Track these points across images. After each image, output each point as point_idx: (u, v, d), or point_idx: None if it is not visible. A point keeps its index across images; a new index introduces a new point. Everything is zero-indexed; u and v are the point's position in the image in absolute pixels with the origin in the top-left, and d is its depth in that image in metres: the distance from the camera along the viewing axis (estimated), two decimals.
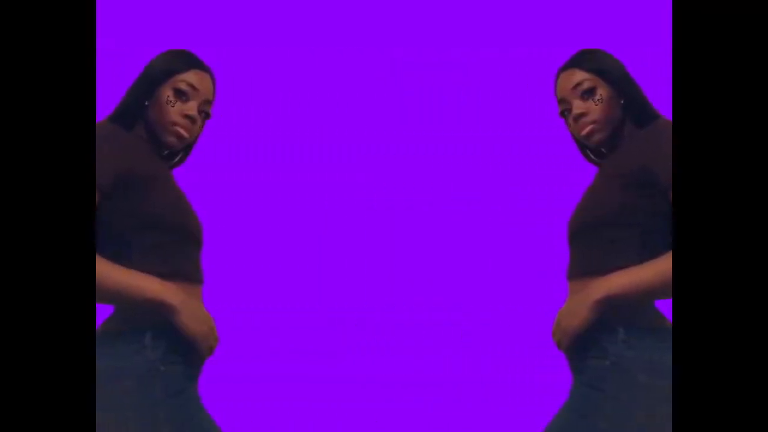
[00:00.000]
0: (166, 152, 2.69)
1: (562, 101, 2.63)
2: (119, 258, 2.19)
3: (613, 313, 2.38)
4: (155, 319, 2.16)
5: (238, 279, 3.35)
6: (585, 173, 3.54)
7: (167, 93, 2.51)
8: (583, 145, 2.82)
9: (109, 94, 3.04)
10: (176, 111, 2.51)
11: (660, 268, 2.23)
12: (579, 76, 2.59)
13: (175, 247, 2.39)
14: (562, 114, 2.67)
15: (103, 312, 2.48)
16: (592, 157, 2.82)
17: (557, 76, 2.69)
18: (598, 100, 2.55)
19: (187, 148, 2.76)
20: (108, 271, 2.16)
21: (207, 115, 2.62)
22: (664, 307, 2.70)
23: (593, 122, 2.57)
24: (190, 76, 2.53)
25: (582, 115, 2.57)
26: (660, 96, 3.13)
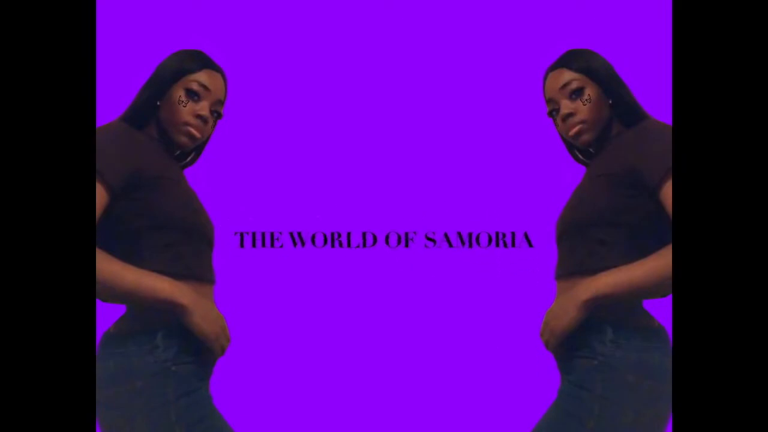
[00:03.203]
0: (177, 152, 2.51)
1: (550, 101, 2.45)
2: (131, 258, 2.02)
3: (602, 313, 2.21)
4: (167, 320, 1.99)
5: (249, 279, 3.22)
6: (573, 173, 3.38)
7: (179, 93, 2.33)
8: (571, 145, 2.64)
9: (110, 93, 2.88)
10: (188, 111, 2.33)
11: (648, 267, 2.05)
12: (567, 76, 2.41)
13: (186, 247, 2.21)
14: (551, 114, 2.49)
15: (105, 312, 2.32)
16: (580, 157, 2.64)
17: (545, 76, 2.51)
18: (586, 100, 2.37)
19: (199, 148, 2.58)
20: (120, 271, 1.97)
21: (219, 115, 2.44)
22: (663, 307, 2.54)
23: (581, 122, 2.40)
24: (202, 76, 2.35)
25: (570, 115, 2.40)
26: (660, 95, 2.98)
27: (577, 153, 2.65)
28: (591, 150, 2.60)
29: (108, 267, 1.92)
